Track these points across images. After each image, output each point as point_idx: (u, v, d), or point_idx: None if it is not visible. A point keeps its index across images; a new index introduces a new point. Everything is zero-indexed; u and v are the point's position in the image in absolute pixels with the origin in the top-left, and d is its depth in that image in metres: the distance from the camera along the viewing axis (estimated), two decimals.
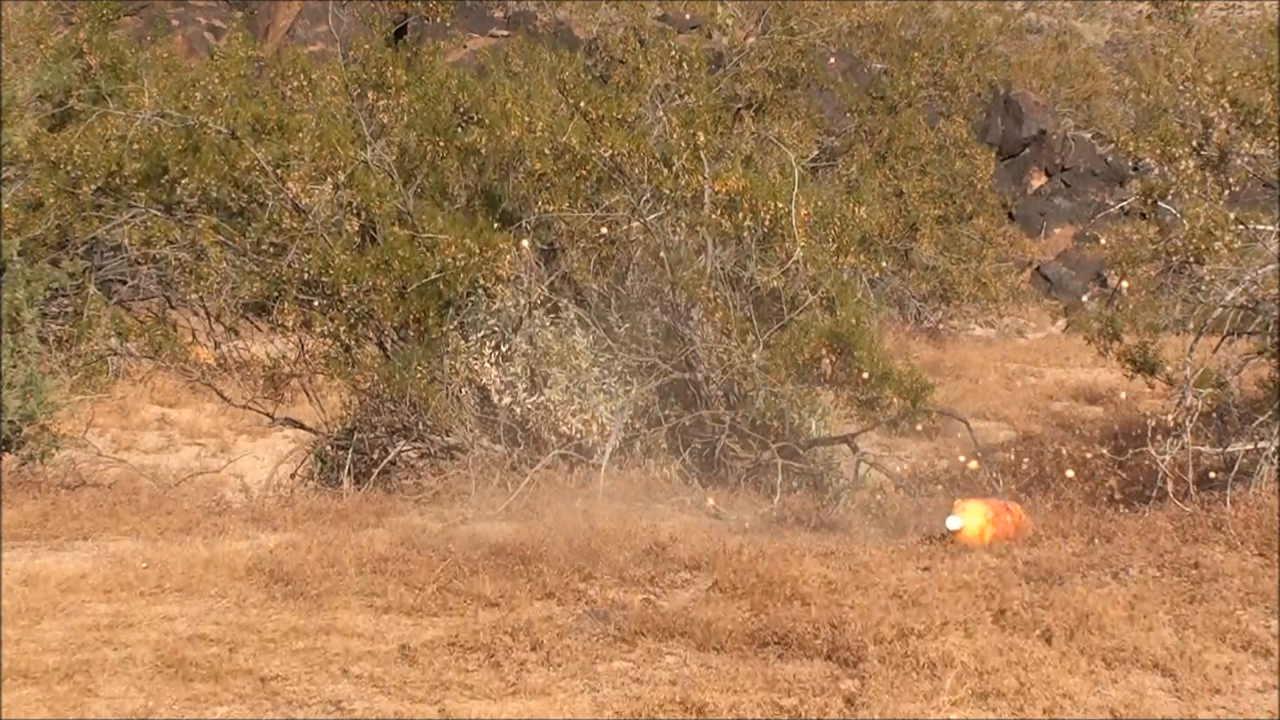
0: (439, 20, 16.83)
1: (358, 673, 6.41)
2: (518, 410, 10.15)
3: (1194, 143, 7.85)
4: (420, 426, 10.22)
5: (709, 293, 10.38)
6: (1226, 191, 7.89)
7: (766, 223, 10.40)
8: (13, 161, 11.28)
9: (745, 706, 5.92)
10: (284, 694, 6.20)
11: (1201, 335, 8.07)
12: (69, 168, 11.56)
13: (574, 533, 8.28)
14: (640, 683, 6.26)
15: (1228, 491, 7.69)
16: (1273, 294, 8.04)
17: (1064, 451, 10.29)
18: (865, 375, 9.85)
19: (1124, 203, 7.95)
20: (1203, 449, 8.01)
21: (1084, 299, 21.22)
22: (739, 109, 17.98)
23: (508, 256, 10.10)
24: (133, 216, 11.75)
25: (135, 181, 11.59)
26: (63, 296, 12.19)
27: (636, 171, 10.42)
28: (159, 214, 11.59)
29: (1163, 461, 7.90)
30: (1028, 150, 27.05)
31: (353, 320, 10.44)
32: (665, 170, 10.39)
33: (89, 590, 7.45)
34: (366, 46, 12.15)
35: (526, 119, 10.63)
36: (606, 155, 10.39)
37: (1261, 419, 8.06)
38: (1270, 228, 8.03)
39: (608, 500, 9.45)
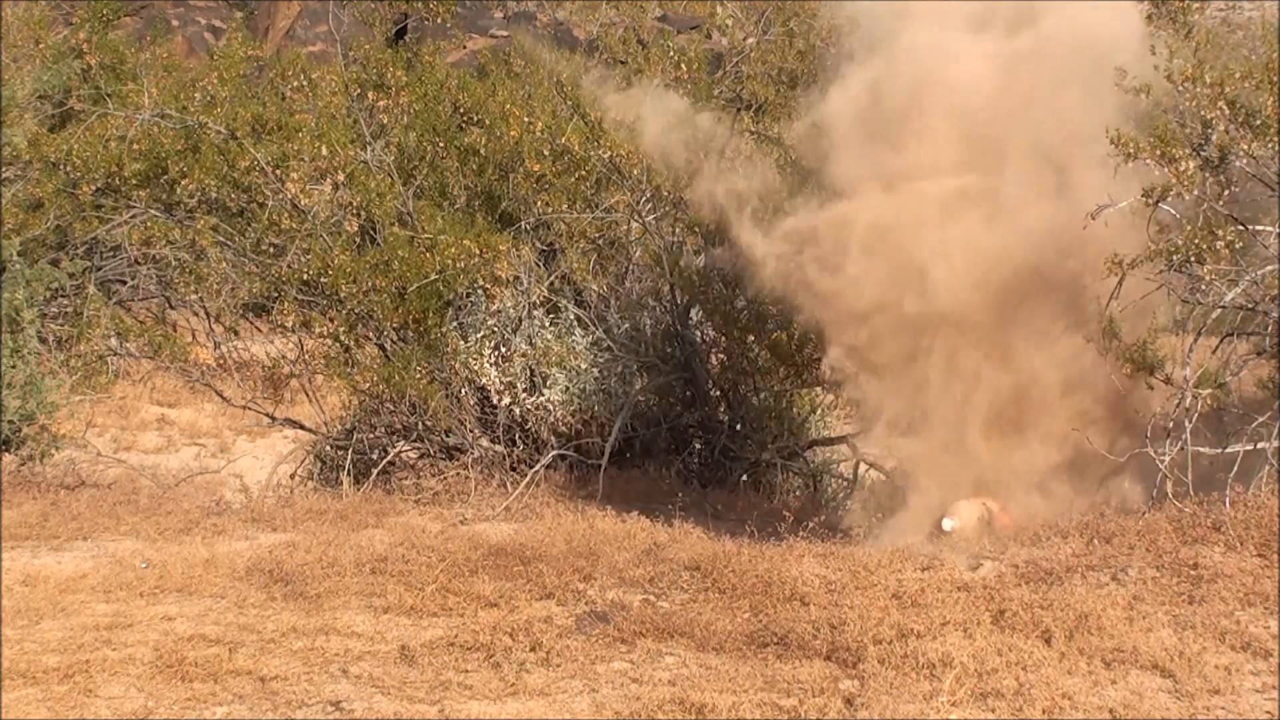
0: (439, 20, 16.83)
1: (357, 673, 6.41)
2: (517, 410, 10.16)
3: (1194, 143, 7.85)
4: (420, 426, 10.23)
5: (709, 293, 10.38)
6: (1226, 191, 7.88)
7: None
8: (13, 161, 11.28)
9: (745, 707, 5.93)
10: (283, 694, 6.20)
11: (1201, 335, 8.06)
12: (69, 168, 11.56)
13: (574, 533, 8.29)
14: (639, 683, 6.26)
15: (1227, 492, 7.69)
16: (1273, 294, 8.04)
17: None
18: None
19: (1124, 203, 7.93)
20: (1202, 449, 8.00)
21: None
22: (739, 109, 17.96)
23: (507, 257, 10.11)
24: (133, 216, 11.75)
25: (135, 181, 11.59)
26: (63, 296, 12.19)
27: (636, 172, 10.43)
28: (159, 214, 11.59)
29: (1162, 462, 7.90)
30: None
31: (352, 320, 10.45)
32: (665, 170, 10.40)
33: (89, 590, 7.45)
34: (366, 47, 12.15)
35: (526, 119, 10.64)
36: (605, 156, 10.40)
37: (1261, 419, 8.05)
38: (1270, 228, 8.02)
39: (607, 500, 9.46)
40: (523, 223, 10.60)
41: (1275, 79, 7.84)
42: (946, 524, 7.97)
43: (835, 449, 10.78)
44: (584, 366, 10.15)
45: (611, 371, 10.27)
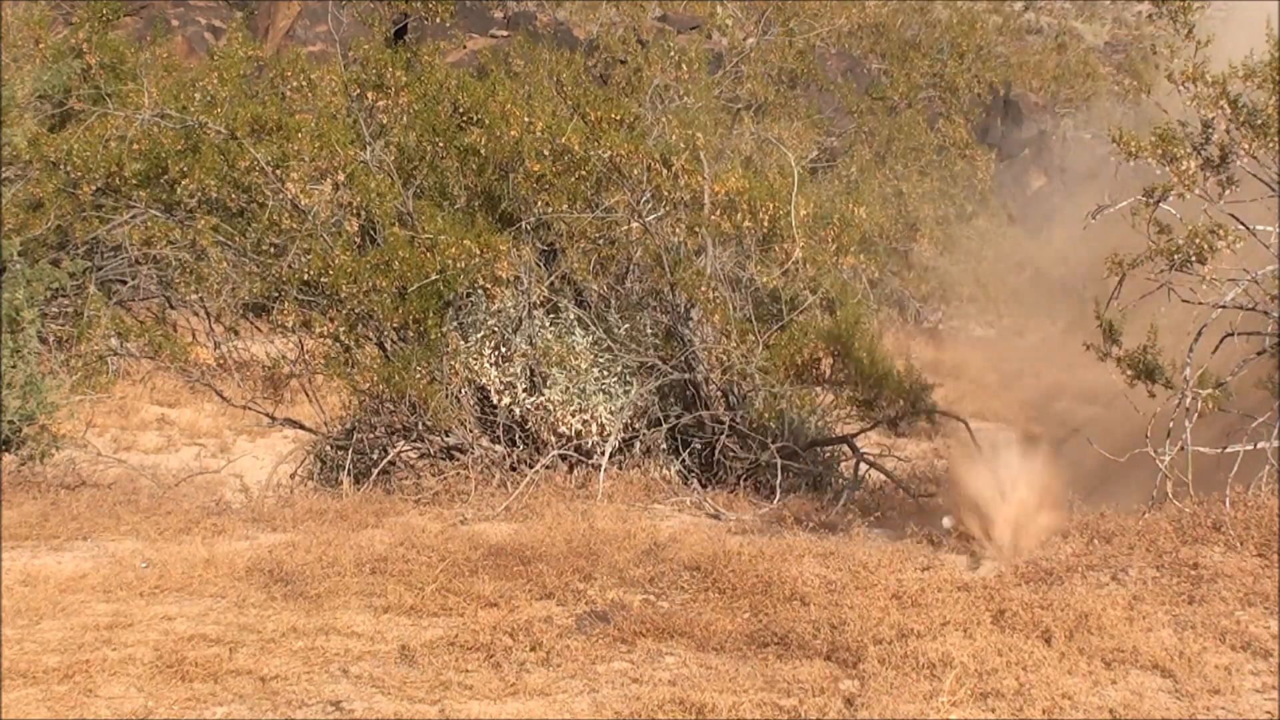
0: (439, 20, 16.85)
1: (357, 673, 6.41)
2: (517, 410, 10.16)
3: (1194, 143, 7.86)
4: (420, 427, 10.23)
5: (709, 293, 10.38)
6: (1227, 191, 7.89)
7: (766, 223, 10.40)
8: (13, 161, 11.28)
9: (745, 707, 5.93)
10: (284, 694, 6.20)
11: (1201, 335, 8.07)
12: (69, 168, 11.56)
13: (574, 533, 8.28)
14: (640, 683, 6.26)
15: (1227, 492, 7.69)
16: (1273, 294, 8.04)
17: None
18: (864, 375, 9.87)
19: (1124, 203, 7.94)
20: (1202, 449, 8.01)
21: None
22: (739, 110, 17.98)
23: (507, 257, 10.11)
24: (133, 216, 11.75)
25: (135, 181, 11.59)
26: (63, 296, 12.19)
27: (636, 172, 10.42)
28: (159, 214, 11.58)
29: (1162, 462, 7.90)
30: (1027, 151, 27.06)
31: (353, 321, 10.44)
32: (665, 171, 10.39)
33: (89, 590, 7.45)
34: (366, 47, 12.14)
35: (526, 120, 10.63)
36: (606, 156, 10.39)
37: (1261, 419, 8.06)
38: (1270, 228, 8.03)
39: (607, 500, 9.46)
40: (523, 223, 10.59)
41: (1276, 79, 7.84)
42: (946, 522, 7.97)
43: (835, 449, 10.76)
44: (584, 366, 10.15)
45: (611, 371, 10.27)
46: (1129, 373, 8.21)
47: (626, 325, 10.51)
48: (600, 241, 10.68)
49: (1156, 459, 7.91)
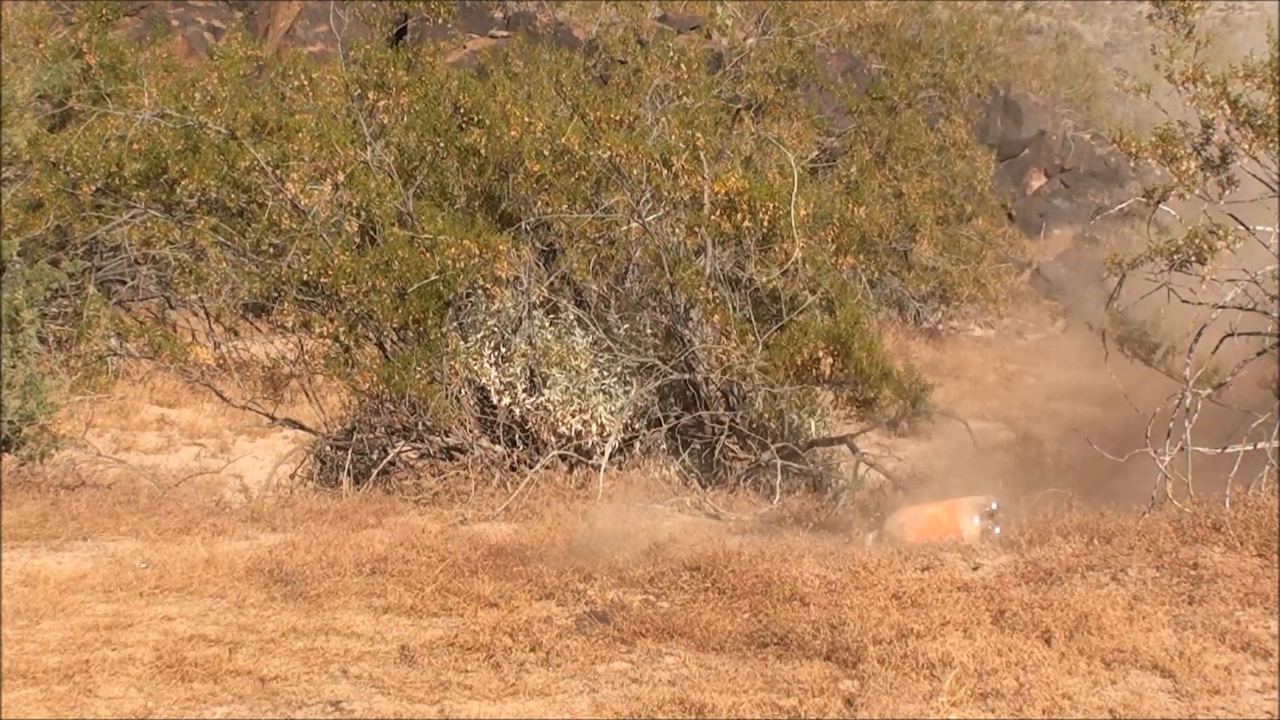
0: (439, 21, 16.87)
1: (357, 673, 6.41)
2: (517, 411, 10.16)
3: (1194, 143, 7.86)
4: (420, 427, 10.23)
5: (708, 293, 10.38)
6: (1227, 191, 7.89)
7: (765, 223, 10.41)
8: (13, 161, 11.28)
9: (744, 707, 5.92)
10: (283, 694, 6.20)
11: (1201, 335, 8.06)
12: (69, 168, 11.58)
13: (574, 533, 8.28)
14: (639, 683, 6.26)
15: (1227, 492, 7.69)
16: (1273, 294, 8.04)
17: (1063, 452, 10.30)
18: (864, 375, 9.88)
19: (1124, 204, 7.95)
20: (1202, 449, 8.00)
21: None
22: (738, 110, 17.97)
23: (507, 257, 10.11)
24: (133, 216, 11.76)
25: (135, 181, 11.60)
26: (63, 296, 12.20)
27: (635, 172, 10.42)
28: (159, 214, 11.60)
29: (1162, 462, 7.90)
30: (1027, 151, 27.08)
31: (352, 321, 10.45)
32: (664, 171, 10.39)
33: (89, 590, 7.45)
34: (367, 47, 12.16)
35: (526, 120, 10.64)
36: (605, 156, 10.39)
37: (1261, 419, 8.05)
38: (1270, 228, 8.03)
39: (607, 500, 9.46)
40: (523, 223, 10.60)
41: (1276, 78, 7.84)
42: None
43: (835, 449, 10.77)
44: (584, 366, 10.15)
45: (611, 372, 10.26)
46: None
47: (626, 325, 10.52)
48: (600, 241, 10.69)
49: (1156, 459, 7.91)
